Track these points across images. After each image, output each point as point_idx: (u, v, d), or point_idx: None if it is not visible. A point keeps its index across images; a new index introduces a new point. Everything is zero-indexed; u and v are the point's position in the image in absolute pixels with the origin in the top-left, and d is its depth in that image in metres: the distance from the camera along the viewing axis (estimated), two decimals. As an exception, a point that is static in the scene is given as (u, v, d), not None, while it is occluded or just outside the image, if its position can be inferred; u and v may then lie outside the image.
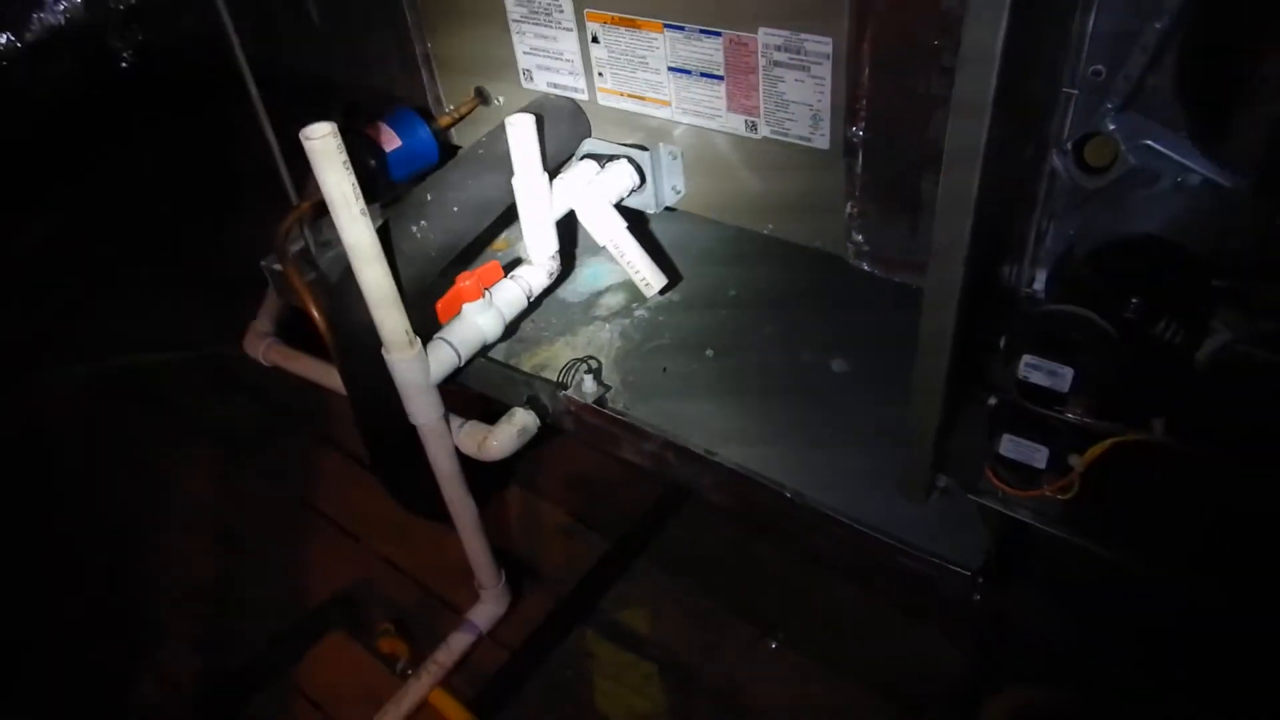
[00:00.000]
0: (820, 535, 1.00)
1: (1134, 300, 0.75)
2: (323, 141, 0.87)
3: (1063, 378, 0.74)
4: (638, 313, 1.33)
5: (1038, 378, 0.75)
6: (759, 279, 1.35)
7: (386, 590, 1.55)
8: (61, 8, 1.79)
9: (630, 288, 1.31)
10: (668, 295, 1.35)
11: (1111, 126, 0.78)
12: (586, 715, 1.34)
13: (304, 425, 1.87)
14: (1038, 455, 0.78)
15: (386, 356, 1.03)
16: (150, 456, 1.86)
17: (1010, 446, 0.80)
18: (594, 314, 1.34)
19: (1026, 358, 0.75)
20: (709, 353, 1.27)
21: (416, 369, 1.05)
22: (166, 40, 1.88)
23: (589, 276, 1.41)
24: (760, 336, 1.29)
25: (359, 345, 1.09)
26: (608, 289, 1.38)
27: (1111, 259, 0.77)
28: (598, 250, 1.24)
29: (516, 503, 1.67)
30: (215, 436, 1.89)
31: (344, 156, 0.89)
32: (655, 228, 1.35)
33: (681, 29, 1.07)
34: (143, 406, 1.99)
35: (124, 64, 1.92)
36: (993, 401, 0.82)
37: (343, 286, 1.10)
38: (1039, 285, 0.95)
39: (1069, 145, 0.81)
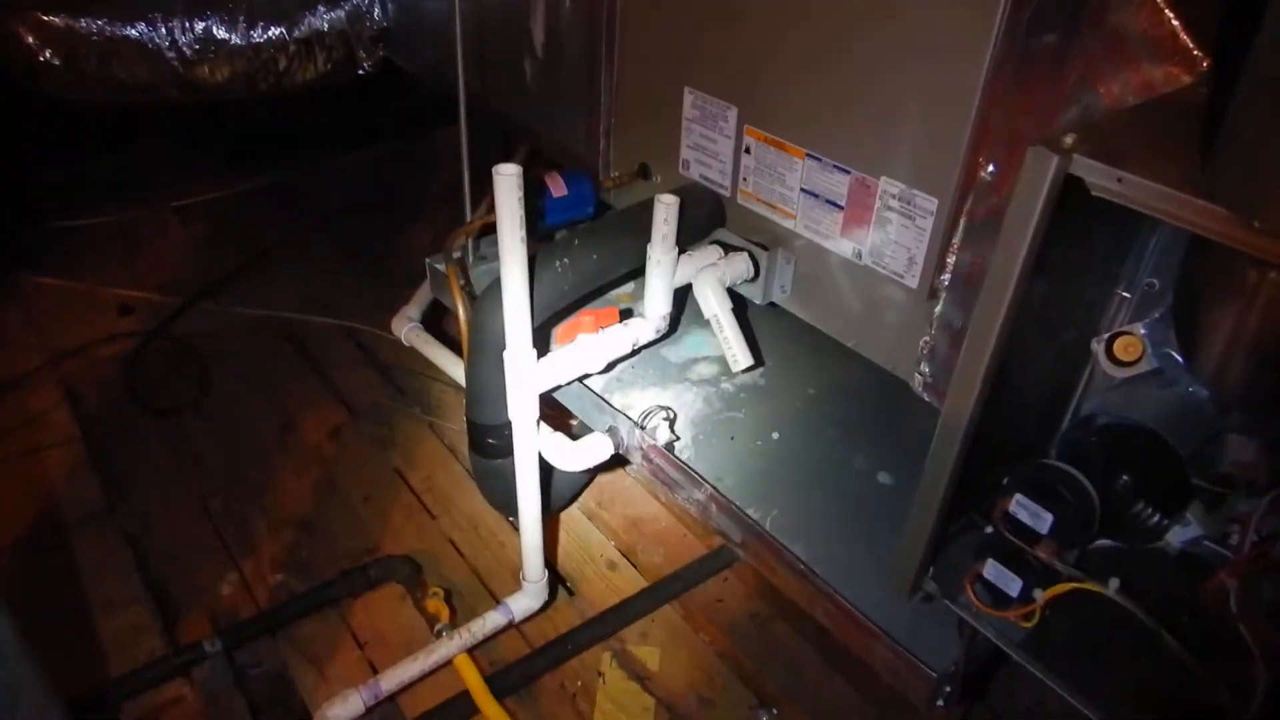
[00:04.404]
0: (822, 609, 1.13)
1: (1124, 477, 0.88)
2: (509, 178, 1.10)
3: (1043, 520, 0.87)
4: (723, 385, 1.51)
5: (1024, 515, 0.88)
6: (835, 384, 1.50)
7: (444, 566, 1.74)
8: (328, 16, 2.15)
9: (722, 363, 1.48)
10: (753, 378, 1.52)
11: (1143, 331, 0.92)
12: (582, 725, 1.49)
13: (415, 410, 2.12)
14: (1013, 584, 0.91)
15: (506, 357, 1.24)
16: (285, 399, 2.14)
17: (992, 571, 0.92)
18: (685, 376, 1.53)
19: (1018, 496, 0.89)
20: (775, 435, 1.42)
21: (528, 374, 1.25)
22: (403, 62, 2.22)
23: (691, 344, 1.60)
24: (824, 434, 1.44)
25: (487, 343, 1.30)
26: (703, 359, 1.56)
27: (1114, 438, 0.90)
28: (703, 324, 1.43)
29: (574, 526, 1.84)
30: (342, 397, 2.15)
31: (520, 194, 1.11)
32: (756, 318, 1.52)
33: (819, 160, 1.26)
34: (291, 356, 2.29)
35: (362, 71, 2.27)
36: (988, 530, 0.95)
37: (487, 294, 1.32)
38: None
39: (1105, 338, 0.95)
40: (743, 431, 1.42)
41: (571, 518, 1.86)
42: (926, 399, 1.25)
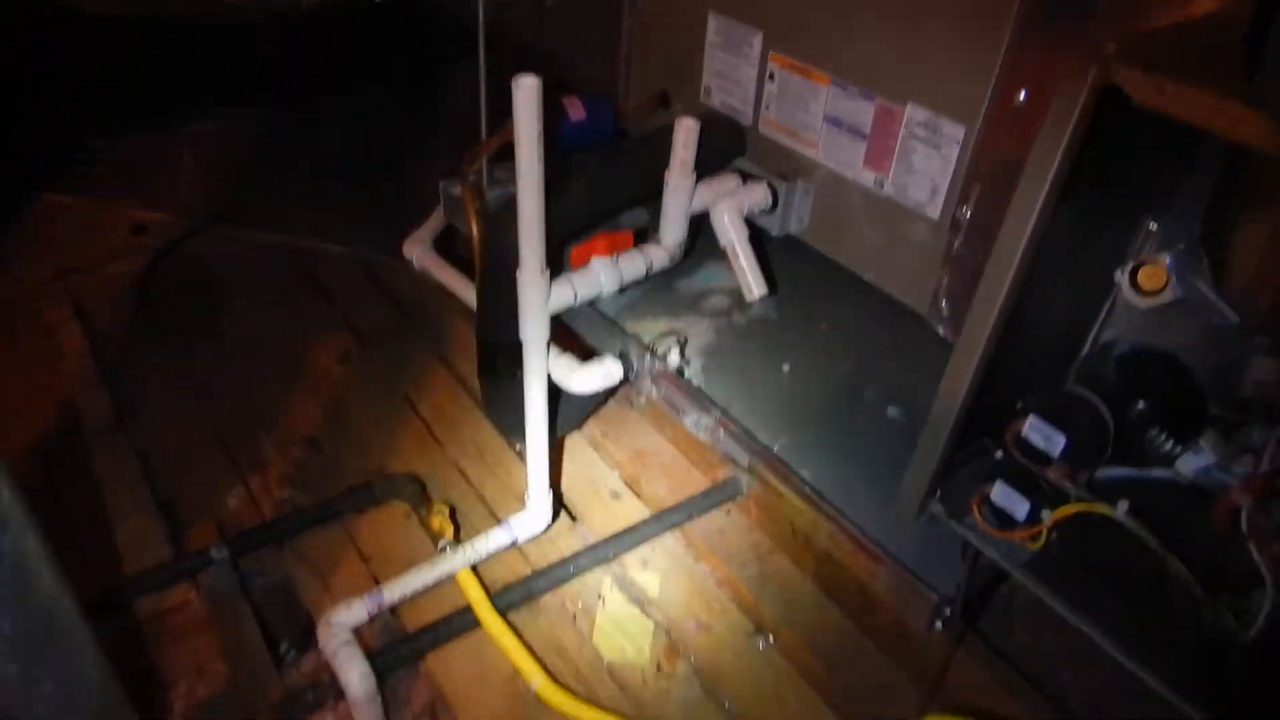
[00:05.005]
0: (826, 532, 1.14)
1: (1140, 403, 0.88)
2: (528, 90, 1.08)
3: (1055, 443, 0.87)
4: (735, 317, 1.51)
5: (1036, 438, 0.88)
6: (849, 318, 1.50)
7: (450, 490, 1.75)
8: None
9: (735, 295, 1.48)
10: (765, 311, 1.52)
11: (1168, 260, 0.91)
12: (582, 644, 1.50)
13: (426, 338, 2.12)
14: (1020, 506, 0.91)
15: (519, 276, 1.23)
16: (295, 324, 2.14)
17: (1000, 493, 0.93)
18: (698, 307, 1.52)
19: (1031, 418, 0.89)
20: (785, 367, 1.42)
21: (539, 293, 1.24)
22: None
23: (703, 276, 1.59)
24: (835, 368, 1.44)
25: (499, 263, 1.29)
26: (716, 291, 1.56)
27: (1132, 364, 0.90)
28: (716, 256, 1.42)
29: (580, 456, 1.85)
30: (351, 324, 2.15)
31: (540, 107, 1.10)
32: (772, 249, 1.51)
33: (844, 87, 1.24)
34: (302, 282, 2.28)
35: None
36: (999, 455, 0.96)
37: (500, 214, 1.31)
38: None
39: (1129, 267, 0.94)
40: (753, 363, 1.42)
41: (576, 447, 1.86)
42: (941, 332, 1.25)
